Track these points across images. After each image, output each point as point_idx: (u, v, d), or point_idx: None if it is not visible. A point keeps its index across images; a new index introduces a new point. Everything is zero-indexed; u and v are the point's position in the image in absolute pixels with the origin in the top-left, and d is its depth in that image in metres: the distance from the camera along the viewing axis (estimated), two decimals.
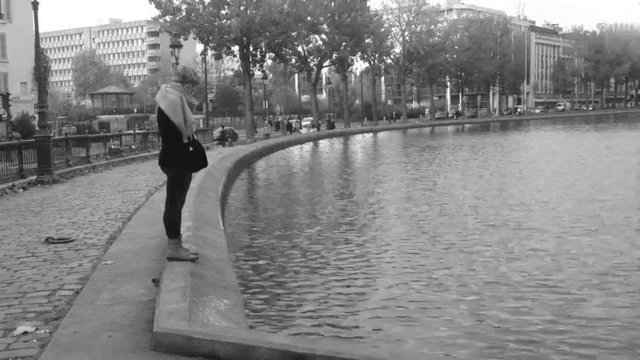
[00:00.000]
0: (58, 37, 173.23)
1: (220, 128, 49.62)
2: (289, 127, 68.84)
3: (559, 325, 6.88)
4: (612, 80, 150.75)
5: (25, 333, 4.95)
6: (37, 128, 36.62)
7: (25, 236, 9.55)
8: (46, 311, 5.52)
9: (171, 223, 6.69)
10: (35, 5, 19.08)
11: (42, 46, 21.40)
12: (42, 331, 4.98)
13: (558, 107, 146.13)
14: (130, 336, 4.73)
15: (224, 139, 44.44)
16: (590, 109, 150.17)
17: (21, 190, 16.65)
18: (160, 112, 6.49)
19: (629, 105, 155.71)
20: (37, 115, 57.48)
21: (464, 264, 9.74)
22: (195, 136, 6.63)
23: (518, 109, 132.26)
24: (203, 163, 6.67)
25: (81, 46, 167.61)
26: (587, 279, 8.71)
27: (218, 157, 26.58)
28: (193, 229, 8.61)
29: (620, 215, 13.72)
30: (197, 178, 15.71)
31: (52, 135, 21.73)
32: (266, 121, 64.13)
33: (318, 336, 6.44)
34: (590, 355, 6.06)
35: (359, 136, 67.65)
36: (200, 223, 9.41)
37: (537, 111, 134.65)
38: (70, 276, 6.83)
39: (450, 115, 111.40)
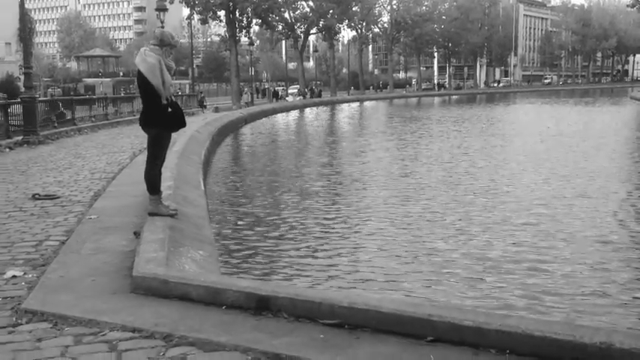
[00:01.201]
0: None
1: (200, 95, 50.87)
2: (275, 94, 68.93)
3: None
4: (599, 54, 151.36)
5: (14, 277, 5.37)
6: (23, 89, 36.64)
7: (12, 192, 9.92)
8: (33, 259, 5.94)
9: (152, 180, 7.11)
10: None
11: (26, 6, 21.42)
12: (30, 275, 5.40)
13: (545, 80, 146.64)
14: (111, 280, 5.16)
15: (202, 105, 45.73)
16: (578, 82, 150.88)
17: (7, 149, 16.94)
18: (140, 74, 6.85)
19: (615, 79, 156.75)
20: (22, 77, 57.26)
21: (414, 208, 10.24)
22: (173, 97, 7.02)
23: (502, 82, 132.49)
24: (181, 124, 7.06)
25: (66, 7, 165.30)
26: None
27: (203, 122, 26.86)
28: (175, 188, 9.01)
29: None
30: (180, 141, 16.09)
31: (37, 96, 21.85)
32: (245, 89, 62.39)
33: (281, 281, 6.94)
34: None
35: (345, 106, 67.87)
36: (181, 183, 9.83)
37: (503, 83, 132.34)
38: (56, 229, 7.24)
39: (430, 87, 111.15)
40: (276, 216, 11.04)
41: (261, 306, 4.31)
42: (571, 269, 7.69)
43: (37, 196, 9.38)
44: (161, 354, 3.78)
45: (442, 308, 4.02)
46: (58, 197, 9.34)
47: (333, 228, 10.06)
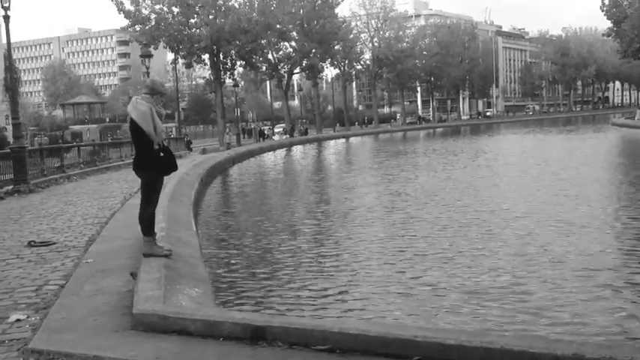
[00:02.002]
0: (27, 47, 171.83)
1: (186, 137, 51.92)
2: (262, 133, 69.43)
3: None
4: (579, 83, 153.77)
5: (18, 320, 5.59)
6: (10, 139, 36.81)
7: (7, 241, 10.12)
8: (35, 302, 6.16)
9: (146, 222, 7.37)
10: (6, 19, 19.55)
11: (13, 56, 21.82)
12: (33, 318, 5.62)
13: (527, 110, 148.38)
14: (112, 319, 5.40)
15: (189, 148, 47.36)
16: (560, 110, 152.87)
17: None
18: (132, 121, 7.19)
19: (596, 107, 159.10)
20: (8, 127, 57.44)
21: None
22: (164, 142, 7.33)
23: (488, 113, 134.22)
24: (173, 167, 7.40)
25: (50, 56, 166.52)
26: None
27: (191, 164, 27.14)
28: (167, 229, 9.27)
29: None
30: (170, 184, 16.34)
31: (26, 146, 22.13)
32: (227, 129, 59.47)
33: (275, 312, 7.17)
34: None
35: (332, 142, 68.49)
36: (173, 225, 10.08)
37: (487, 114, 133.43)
38: (54, 273, 7.46)
39: (413, 121, 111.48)
40: (267, 254, 11.27)
41: (256, 336, 4.56)
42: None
43: (32, 243, 9.59)
44: None
45: (426, 329, 4.29)
46: (54, 243, 9.56)
47: (323, 264, 10.30)
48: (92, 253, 8.40)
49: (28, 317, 5.65)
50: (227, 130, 58.55)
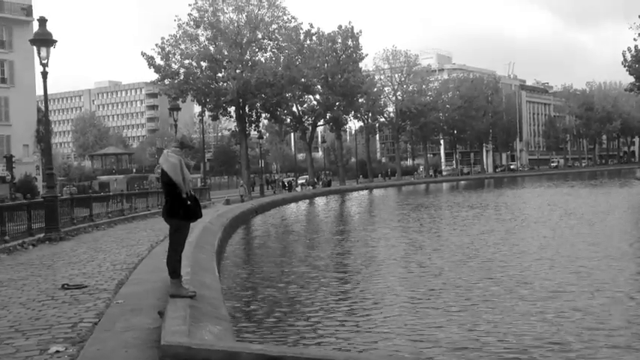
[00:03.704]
0: (59, 99, 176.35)
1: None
2: (288, 185, 70.15)
3: None
4: (604, 137, 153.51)
5: (57, 351, 6.20)
6: (40, 189, 37.83)
7: (42, 284, 10.79)
8: (71, 337, 6.77)
9: (173, 265, 8.01)
10: (44, 75, 20.62)
11: (43, 108, 22.91)
12: (71, 350, 6.22)
13: (552, 164, 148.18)
14: (141, 351, 5.97)
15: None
16: (584, 164, 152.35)
17: (31, 246, 17.89)
18: (164, 172, 7.92)
19: (622, 161, 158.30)
20: (38, 177, 58.95)
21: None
22: (192, 192, 8.03)
23: (512, 166, 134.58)
24: (199, 214, 8.09)
25: (81, 107, 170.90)
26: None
27: (215, 214, 27.85)
28: (192, 274, 9.86)
29: None
30: (195, 233, 16.99)
31: (59, 195, 23.03)
32: (241, 182, 57.86)
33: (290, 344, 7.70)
34: None
35: (355, 194, 69.04)
36: (198, 270, 10.68)
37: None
38: (88, 313, 8.08)
39: (429, 174, 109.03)
40: (286, 300, 11.79)
41: None
42: None
43: (66, 286, 10.25)
44: None
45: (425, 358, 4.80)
46: (86, 286, 10.20)
47: (339, 309, 10.80)
48: (122, 295, 9.01)
49: (66, 349, 6.25)
50: (240, 182, 57.49)
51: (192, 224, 8.55)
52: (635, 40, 65.74)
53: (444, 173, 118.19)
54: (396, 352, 7.46)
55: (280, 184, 70.65)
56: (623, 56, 69.16)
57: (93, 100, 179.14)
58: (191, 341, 5.67)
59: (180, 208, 7.85)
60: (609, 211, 29.93)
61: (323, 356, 4.95)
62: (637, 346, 8.20)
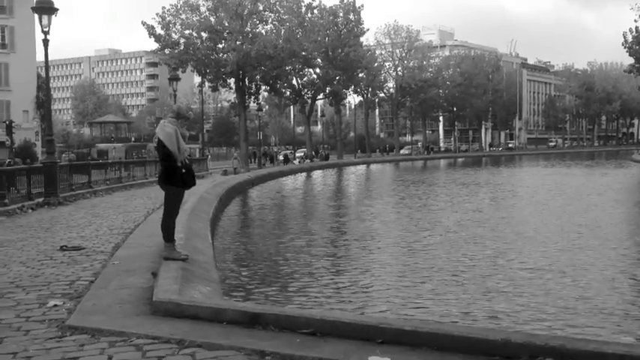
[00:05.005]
0: (58, 66, 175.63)
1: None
2: (284, 158, 70.48)
3: None
4: (604, 118, 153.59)
5: (56, 305, 6.61)
6: (39, 155, 38.09)
7: (41, 245, 11.20)
8: (69, 293, 7.19)
9: (168, 229, 8.44)
10: (46, 42, 20.83)
11: (43, 74, 23.14)
12: (68, 304, 6.64)
13: (550, 144, 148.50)
14: (135, 307, 6.40)
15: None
16: (583, 145, 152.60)
17: (30, 210, 18.29)
18: (159, 141, 8.29)
19: (621, 142, 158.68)
20: (37, 142, 59.26)
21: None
22: (187, 161, 8.41)
23: (510, 145, 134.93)
24: (193, 182, 8.48)
25: (80, 75, 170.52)
26: None
27: (212, 184, 28.27)
28: (186, 239, 10.28)
29: None
30: (191, 201, 17.42)
31: (58, 161, 23.39)
32: (234, 153, 56.23)
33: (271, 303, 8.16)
34: None
35: (352, 168, 69.47)
36: (192, 236, 11.11)
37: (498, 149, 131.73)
38: (85, 272, 8.50)
39: (421, 151, 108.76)
40: (275, 267, 12.25)
41: (253, 321, 5.53)
42: None
43: (64, 247, 10.66)
44: (176, 352, 4.99)
45: (389, 319, 5.24)
46: (83, 248, 10.62)
47: (322, 276, 11.27)
48: (118, 257, 9.44)
49: (64, 303, 6.67)
50: (234, 154, 56.34)
51: (187, 192, 8.96)
52: (635, 21, 65.73)
53: (438, 149, 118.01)
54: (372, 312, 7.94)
55: (280, 157, 70.62)
56: (624, 37, 69.07)
57: (93, 68, 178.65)
58: (181, 298, 6.10)
59: (175, 176, 8.24)
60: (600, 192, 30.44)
61: (300, 314, 5.38)
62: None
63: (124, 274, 8.11)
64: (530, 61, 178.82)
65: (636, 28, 66.53)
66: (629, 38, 68.78)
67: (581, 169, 57.17)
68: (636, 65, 70.12)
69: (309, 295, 9.74)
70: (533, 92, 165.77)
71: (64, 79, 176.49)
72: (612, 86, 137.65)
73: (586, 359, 4.14)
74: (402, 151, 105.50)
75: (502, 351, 4.43)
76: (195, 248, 10.02)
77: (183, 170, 8.26)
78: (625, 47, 69.31)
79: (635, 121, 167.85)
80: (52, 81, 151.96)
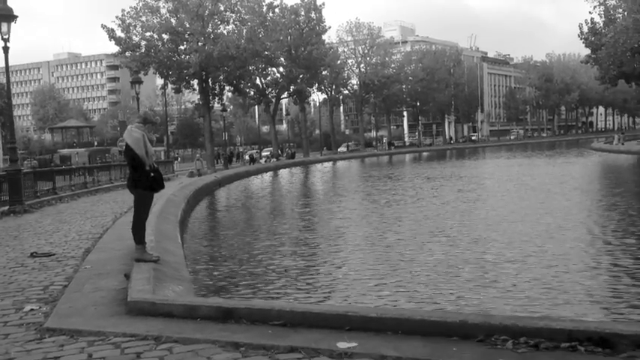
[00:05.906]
0: (17, 71, 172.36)
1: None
2: (250, 158, 70.42)
3: None
4: (563, 108, 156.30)
5: (32, 309, 6.78)
6: (0, 163, 37.57)
7: (10, 253, 11.27)
8: (44, 297, 7.35)
9: (138, 232, 8.64)
10: (6, 50, 20.68)
11: (1, 81, 23.02)
12: (44, 308, 6.81)
13: (511, 136, 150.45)
14: (109, 308, 6.59)
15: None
16: (544, 135, 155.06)
17: None
18: (127, 146, 8.48)
19: (581, 131, 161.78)
20: None
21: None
22: (155, 164, 8.61)
23: (473, 137, 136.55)
24: (161, 185, 8.69)
25: (40, 80, 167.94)
26: None
27: (179, 186, 28.33)
28: (156, 241, 10.47)
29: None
30: (159, 204, 17.54)
31: (22, 168, 23.24)
32: (197, 155, 56.18)
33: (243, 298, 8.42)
34: None
35: (318, 166, 69.76)
36: (161, 238, 11.28)
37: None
38: (58, 277, 8.64)
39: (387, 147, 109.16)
40: (246, 267, 12.49)
41: (226, 316, 5.77)
42: None
43: (34, 254, 10.75)
44: (153, 348, 5.22)
45: (355, 307, 5.52)
46: (54, 254, 10.72)
47: (295, 272, 11.54)
48: (89, 261, 9.58)
49: (40, 308, 6.83)
50: (197, 155, 56.32)
51: (156, 195, 9.16)
52: (590, 12, 67.18)
53: (402, 144, 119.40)
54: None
55: (246, 157, 70.59)
56: (580, 29, 70.40)
57: (52, 73, 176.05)
58: (155, 297, 6.31)
59: (144, 180, 8.44)
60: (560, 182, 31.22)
61: (271, 307, 5.63)
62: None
63: (97, 277, 8.27)
64: (491, 55, 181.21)
65: (591, 19, 68.01)
66: (585, 29, 70.15)
67: (543, 159, 58.24)
68: (592, 56, 71.54)
69: (279, 292, 10.00)
70: (494, 85, 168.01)
71: (23, 85, 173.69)
72: (570, 77, 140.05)
73: (537, 335, 4.48)
74: (339, 149, 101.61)
75: (459, 331, 4.76)
76: (165, 249, 10.20)
77: (152, 174, 8.48)
78: (581, 38, 70.66)
79: (594, 110, 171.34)
80: (10, 87, 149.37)
